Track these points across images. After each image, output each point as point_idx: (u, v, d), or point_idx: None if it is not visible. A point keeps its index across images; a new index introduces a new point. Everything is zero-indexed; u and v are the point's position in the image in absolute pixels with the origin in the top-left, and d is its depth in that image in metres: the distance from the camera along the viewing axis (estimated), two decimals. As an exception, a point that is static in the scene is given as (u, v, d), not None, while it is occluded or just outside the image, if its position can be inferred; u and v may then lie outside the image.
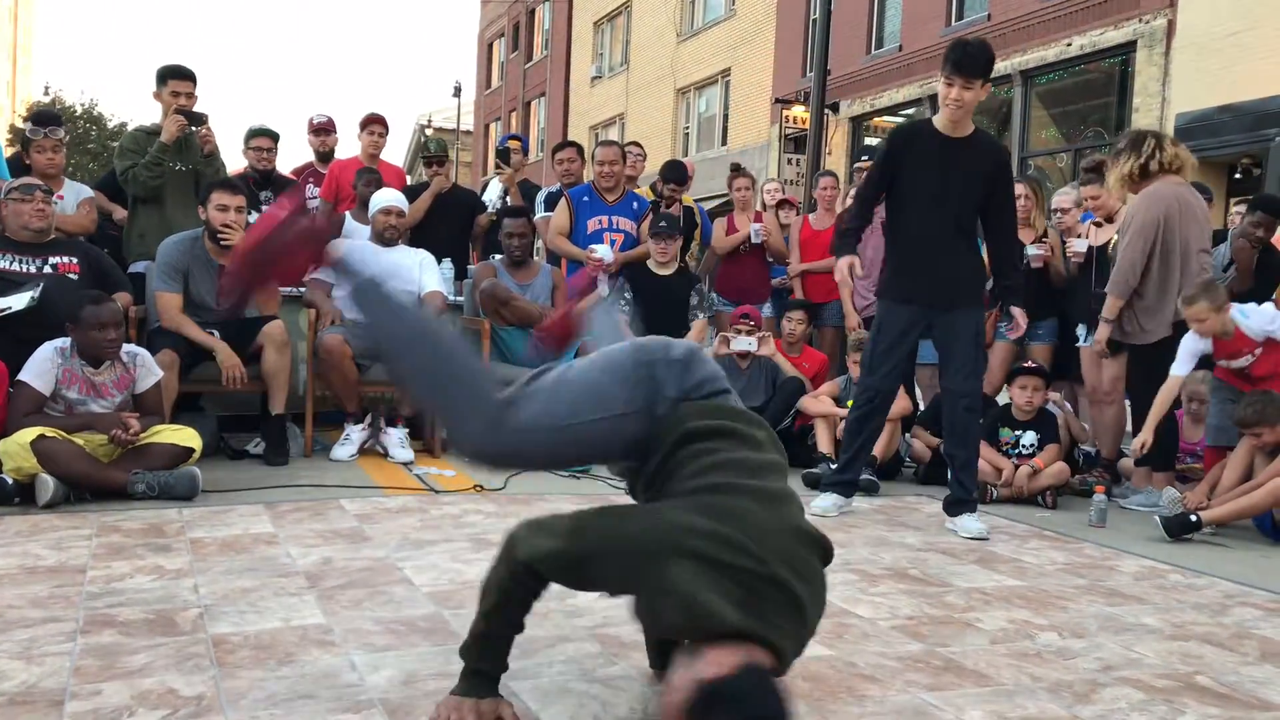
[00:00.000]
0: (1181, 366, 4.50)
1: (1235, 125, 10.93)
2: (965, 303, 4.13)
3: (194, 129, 5.21)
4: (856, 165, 6.34)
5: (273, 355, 4.71)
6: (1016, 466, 4.81)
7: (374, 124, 6.68)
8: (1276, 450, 4.28)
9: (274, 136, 6.04)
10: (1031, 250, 5.52)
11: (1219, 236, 5.61)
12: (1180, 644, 2.74)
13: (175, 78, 5.25)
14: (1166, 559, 3.77)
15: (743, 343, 5.54)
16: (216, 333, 4.69)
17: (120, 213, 5.62)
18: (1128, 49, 12.47)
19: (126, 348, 4.12)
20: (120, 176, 5.23)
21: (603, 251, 5.86)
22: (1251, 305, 4.56)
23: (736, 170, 7.08)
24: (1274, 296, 5.02)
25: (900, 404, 4.87)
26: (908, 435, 5.39)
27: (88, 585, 2.77)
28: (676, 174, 6.69)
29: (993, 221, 4.19)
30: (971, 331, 4.14)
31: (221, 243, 4.68)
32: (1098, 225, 5.39)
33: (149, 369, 4.17)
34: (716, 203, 18.00)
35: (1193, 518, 4.12)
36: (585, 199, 6.05)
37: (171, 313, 4.66)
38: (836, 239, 4.49)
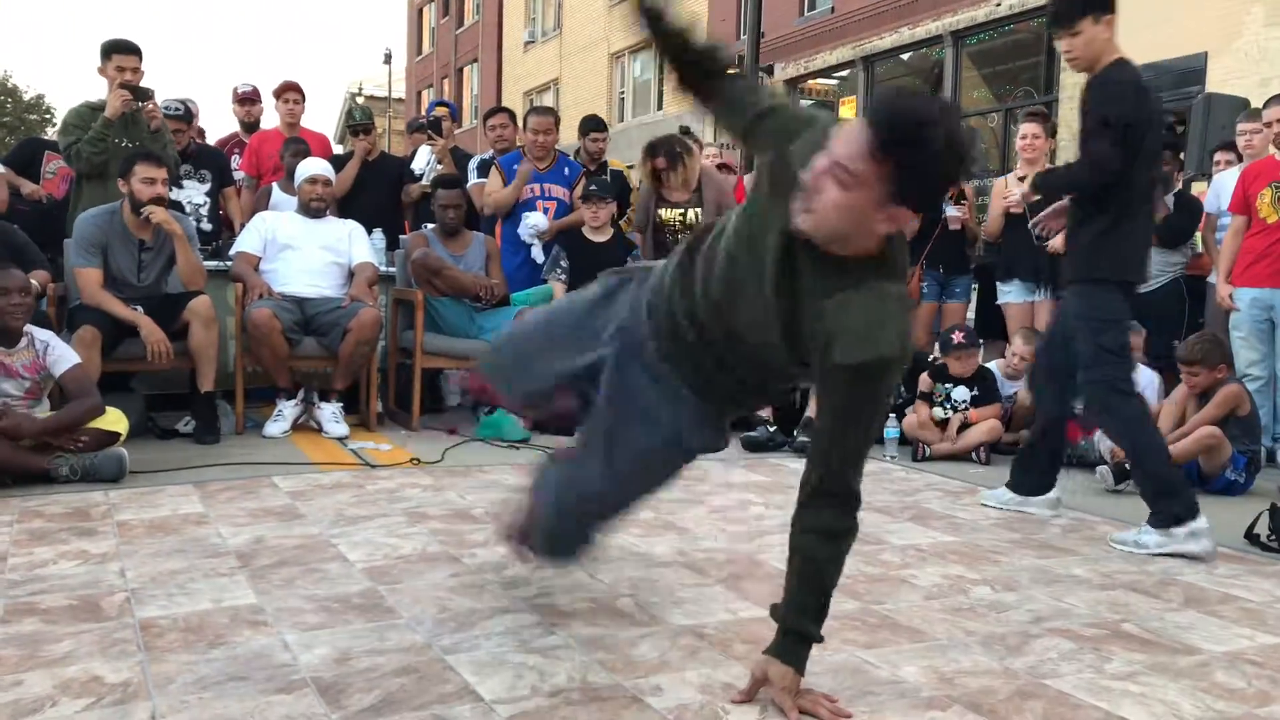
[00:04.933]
0: None
1: (1160, 84, 11.01)
2: None
3: (140, 104, 5.05)
4: None
5: (199, 331, 4.59)
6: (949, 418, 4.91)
7: (289, 91, 6.51)
8: (1205, 397, 4.40)
9: (187, 118, 5.85)
10: (951, 211, 5.55)
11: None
12: (1108, 593, 2.80)
13: (119, 52, 5.06)
14: (1096, 511, 3.86)
15: None
16: (140, 308, 4.57)
17: (29, 187, 5.43)
18: (1055, 8, 12.62)
19: (37, 335, 3.95)
20: (64, 152, 5.09)
21: (536, 219, 5.80)
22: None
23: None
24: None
25: None
26: None
27: (8, 573, 2.69)
28: (595, 122, 6.56)
29: None
30: None
31: (144, 216, 4.55)
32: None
33: (62, 356, 3.95)
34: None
35: (1127, 465, 4.21)
36: (516, 167, 5.97)
37: (92, 289, 4.52)
38: None
